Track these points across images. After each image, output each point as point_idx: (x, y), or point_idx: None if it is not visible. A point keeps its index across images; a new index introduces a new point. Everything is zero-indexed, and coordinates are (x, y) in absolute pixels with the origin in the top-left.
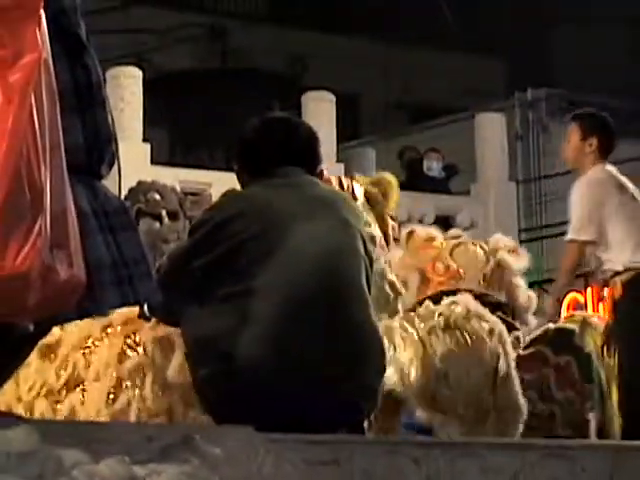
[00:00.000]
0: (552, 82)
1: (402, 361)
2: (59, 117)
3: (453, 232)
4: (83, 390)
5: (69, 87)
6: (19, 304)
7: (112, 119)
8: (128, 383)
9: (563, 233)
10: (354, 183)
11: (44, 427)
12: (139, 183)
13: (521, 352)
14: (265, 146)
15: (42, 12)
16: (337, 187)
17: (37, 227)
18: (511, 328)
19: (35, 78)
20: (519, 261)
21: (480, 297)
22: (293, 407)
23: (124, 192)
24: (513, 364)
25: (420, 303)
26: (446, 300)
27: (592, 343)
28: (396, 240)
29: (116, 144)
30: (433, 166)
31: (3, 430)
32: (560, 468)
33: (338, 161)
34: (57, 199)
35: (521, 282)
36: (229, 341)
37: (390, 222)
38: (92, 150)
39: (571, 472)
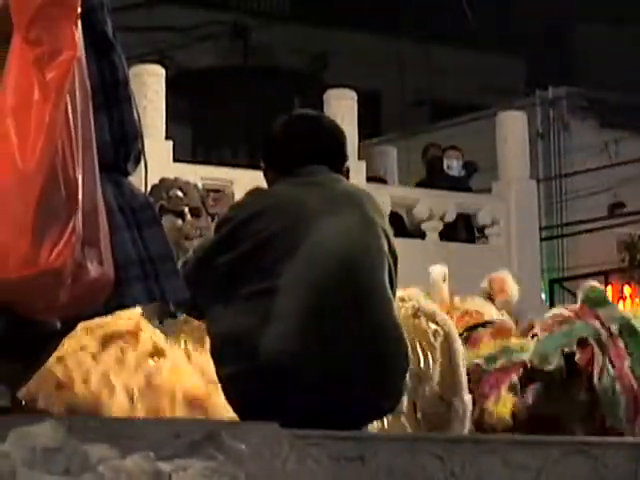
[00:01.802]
0: (573, 80)
1: None
2: (92, 115)
3: None
4: None
5: (96, 84)
6: (51, 301)
7: (138, 116)
8: None
9: (583, 231)
10: None
11: (70, 422)
12: (161, 180)
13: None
14: (291, 144)
15: (79, 10)
16: None
17: (71, 224)
18: None
19: (71, 76)
20: None
21: None
22: (315, 405)
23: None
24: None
25: None
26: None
27: None
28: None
29: (142, 141)
30: (453, 165)
31: (29, 425)
32: (583, 465)
33: (359, 159)
34: (88, 197)
35: None
36: (253, 339)
37: None
38: (119, 147)
39: (594, 469)
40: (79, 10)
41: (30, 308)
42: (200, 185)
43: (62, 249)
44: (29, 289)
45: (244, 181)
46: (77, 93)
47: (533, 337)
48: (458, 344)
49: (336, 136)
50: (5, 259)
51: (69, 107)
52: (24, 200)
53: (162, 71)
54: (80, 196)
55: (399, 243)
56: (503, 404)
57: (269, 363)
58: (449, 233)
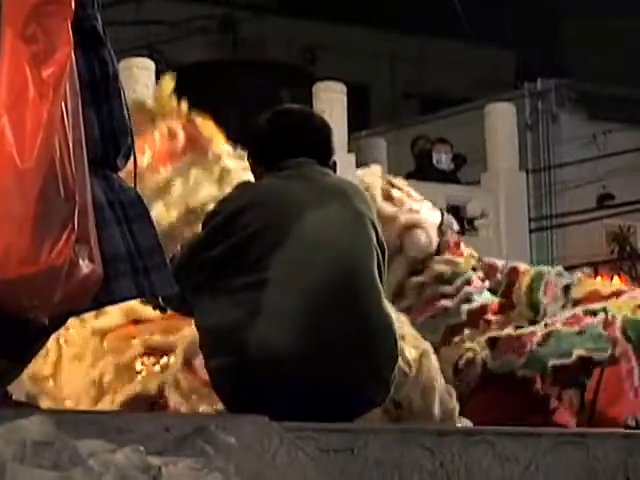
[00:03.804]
0: (561, 72)
1: None
2: (81, 111)
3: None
4: None
5: (86, 80)
6: (47, 298)
7: (128, 111)
8: None
9: (572, 222)
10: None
11: (60, 416)
12: None
13: None
14: (277, 138)
15: (73, 7)
16: None
17: (70, 222)
18: None
19: (67, 73)
20: None
21: None
22: (305, 397)
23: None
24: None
25: None
26: None
27: None
28: None
29: (132, 136)
30: (442, 159)
31: (19, 419)
32: (573, 456)
33: (349, 151)
34: (79, 193)
35: None
36: (243, 332)
37: None
38: (108, 142)
39: (585, 459)
40: (73, 7)
41: (25, 305)
42: None
43: (62, 247)
44: (28, 287)
45: None
46: (68, 91)
47: None
48: None
49: (322, 130)
50: (5, 258)
51: (63, 104)
52: (23, 199)
53: (152, 64)
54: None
55: None
56: None
57: (258, 356)
58: None
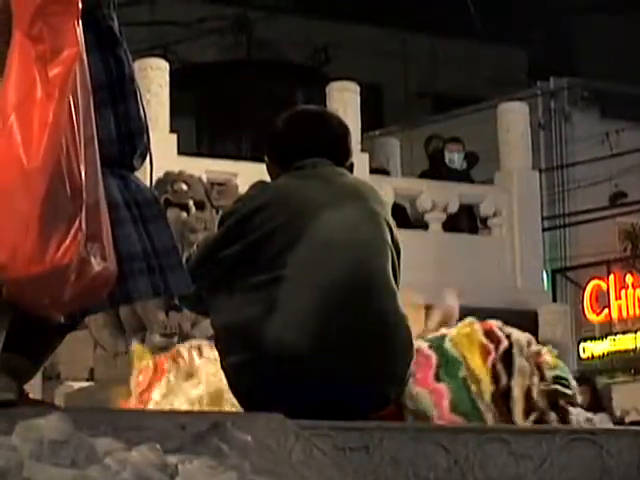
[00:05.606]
0: (574, 71)
1: None
2: (93, 111)
3: None
4: None
5: (102, 80)
6: (57, 297)
7: (144, 111)
8: None
9: (585, 221)
10: None
11: (77, 415)
12: (166, 174)
13: None
14: (294, 139)
15: (80, 6)
16: None
17: (77, 221)
18: None
19: (74, 73)
20: None
21: None
22: (320, 394)
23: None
24: None
25: None
26: None
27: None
28: None
29: (148, 136)
30: (454, 158)
31: (36, 418)
32: (587, 453)
33: (362, 151)
34: (91, 192)
35: None
36: (258, 329)
37: None
38: (125, 142)
39: (598, 457)
40: (80, 6)
41: (36, 304)
42: (204, 178)
43: (69, 246)
44: (36, 287)
45: (248, 174)
46: (79, 89)
47: None
48: None
49: (339, 130)
50: (13, 258)
51: (72, 104)
52: (30, 198)
53: (166, 65)
54: (85, 193)
55: (402, 234)
56: None
57: (274, 353)
58: (452, 224)
